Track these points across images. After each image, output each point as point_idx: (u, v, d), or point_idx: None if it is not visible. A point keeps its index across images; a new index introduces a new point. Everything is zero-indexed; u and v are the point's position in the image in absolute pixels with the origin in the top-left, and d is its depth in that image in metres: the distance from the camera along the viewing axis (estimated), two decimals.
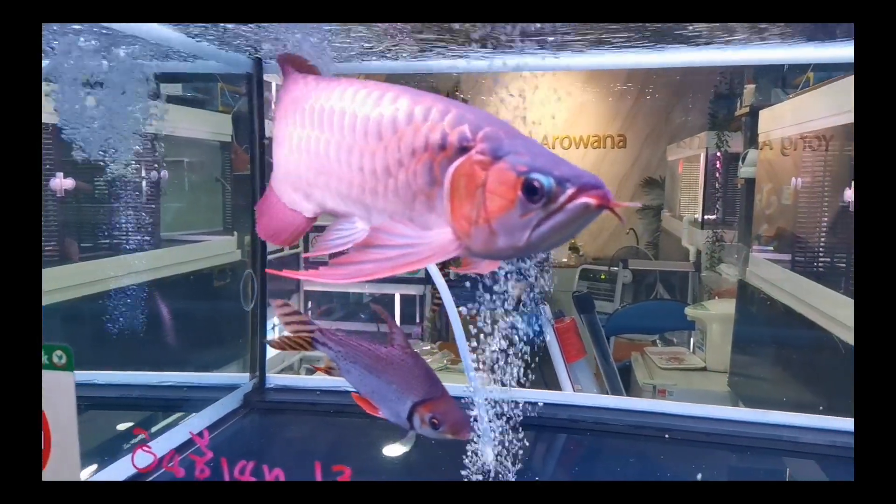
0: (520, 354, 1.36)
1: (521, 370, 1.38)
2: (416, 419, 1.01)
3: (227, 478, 0.87)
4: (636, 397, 3.27)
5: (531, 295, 1.36)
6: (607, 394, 2.86)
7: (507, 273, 1.22)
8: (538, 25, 1.33)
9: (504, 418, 1.37)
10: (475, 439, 1.36)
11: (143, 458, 0.95)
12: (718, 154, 4.31)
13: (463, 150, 0.64)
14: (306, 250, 4.70)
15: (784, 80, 3.42)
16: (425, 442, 1.38)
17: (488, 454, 1.35)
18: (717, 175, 4.35)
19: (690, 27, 1.40)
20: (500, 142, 0.63)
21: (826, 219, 2.50)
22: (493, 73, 1.64)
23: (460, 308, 1.26)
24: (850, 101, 2.26)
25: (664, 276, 5.08)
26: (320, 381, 1.96)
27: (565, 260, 5.78)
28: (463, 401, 1.34)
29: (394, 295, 4.83)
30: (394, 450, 1.59)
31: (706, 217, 4.44)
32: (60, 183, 2.16)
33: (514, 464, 1.36)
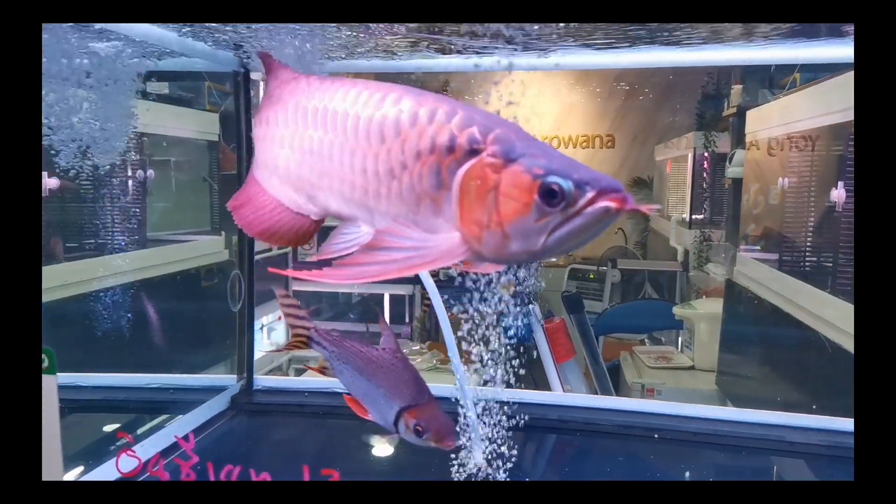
0: (510, 355, 1.36)
1: (511, 370, 1.38)
2: (402, 424, 1.02)
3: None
4: (625, 397, 3.29)
5: (519, 294, 1.36)
6: (597, 394, 2.87)
7: (497, 273, 1.21)
8: (526, 25, 1.33)
9: (494, 419, 1.37)
10: (465, 440, 1.36)
11: (127, 463, 0.93)
12: (706, 154, 4.34)
13: (473, 152, 0.62)
14: (295, 251, 4.69)
15: (771, 80, 3.45)
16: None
17: (477, 455, 1.35)
18: (705, 175, 4.38)
19: (680, 28, 1.41)
20: (513, 144, 0.61)
21: (812, 218, 2.52)
22: (481, 73, 1.64)
23: (452, 310, 1.25)
24: (836, 102, 2.28)
25: (652, 275, 5.10)
26: (308, 382, 1.95)
27: (554, 259, 5.79)
28: (453, 399, 1.34)
29: (383, 295, 4.83)
30: (382, 450, 1.58)
31: (694, 217, 4.47)
32: (45, 182, 2.14)
33: (504, 464, 1.36)
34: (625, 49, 1.60)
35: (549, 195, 0.58)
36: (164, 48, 1.50)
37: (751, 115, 3.26)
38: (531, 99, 1.38)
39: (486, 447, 1.36)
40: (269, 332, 4.56)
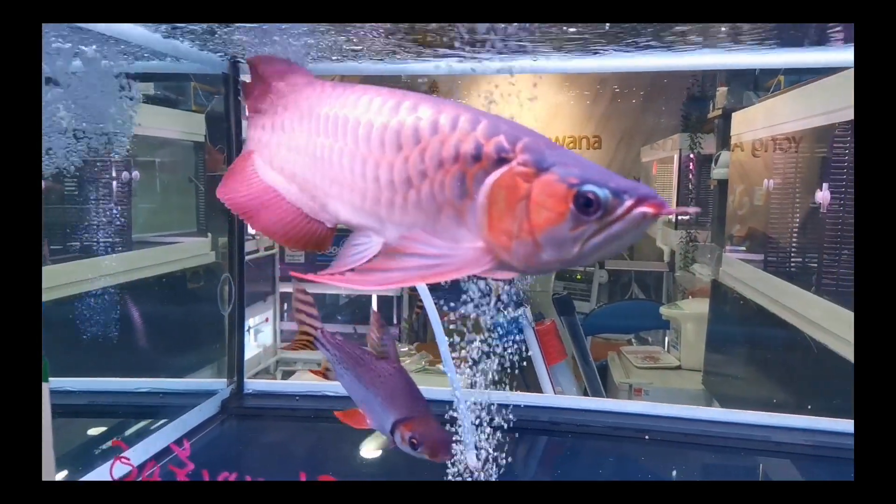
0: (501, 356, 1.37)
1: (503, 372, 1.38)
2: (398, 435, 1.03)
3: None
4: (613, 397, 3.31)
5: (510, 295, 1.36)
6: (587, 395, 2.88)
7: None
8: (515, 28, 1.34)
9: (486, 421, 1.37)
10: (457, 443, 1.36)
11: (121, 470, 0.93)
12: (692, 156, 4.38)
13: (501, 161, 0.61)
14: (282, 252, 4.66)
15: (756, 82, 3.49)
16: None
17: (470, 457, 1.35)
18: (691, 176, 4.41)
19: (669, 32, 1.42)
20: (543, 153, 0.61)
21: (797, 219, 2.55)
22: (470, 75, 1.64)
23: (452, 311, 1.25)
24: (819, 105, 2.32)
25: (639, 275, 5.14)
26: (299, 385, 1.94)
27: None
28: (446, 406, 1.35)
29: (370, 296, 4.81)
30: (373, 452, 1.58)
31: (680, 217, 4.50)
32: None
33: (495, 466, 1.36)
34: (612, 53, 1.61)
35: (585, 204, 0.58)
36: (152, 50, 1.49)
37: (736, 116, 3.30)
38: (519, 99, 1.39)
39: (479, 450, 1.36)
40: (256, 333, 4.53)
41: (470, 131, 0.63)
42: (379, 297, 4.79)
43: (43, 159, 1.46)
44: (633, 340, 4.24)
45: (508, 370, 1.37)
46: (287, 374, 4.34)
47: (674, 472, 1.57)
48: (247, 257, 4.21)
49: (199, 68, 1.71)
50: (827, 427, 1.67)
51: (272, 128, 0.80)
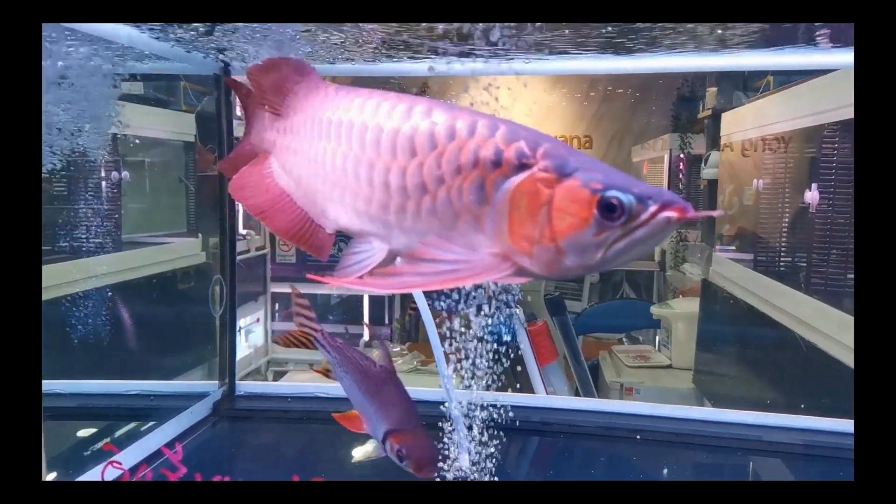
0: (494, 357, 1.37)
1: (495, 373, 1.38)
2: (388, 445, 1.05)
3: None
4: (604, 396, 3.32)
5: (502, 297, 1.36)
6: (579, 395, 2.89)
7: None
8: (506, 29, 1.34)
9: (479, 421, 1.37)
10: (449, 442, 1.36)
11: (112, 474, 0.92)
12: (682, 156, 4.40)
13: (522, 167, 0.61)
14: (273, 253, 4.65)
15: (745, 83, 3.51)
16: None
17: (463, 458, 1.35)
18: (681, 176, 4.44)
19: (658, 34, 1.42)
20: (565, 159, 0.60)
21: (786, 219, 2.57)
22: (462, 77, 1.64)
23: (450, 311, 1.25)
24: (808, 105, 2.33)
25: (630, 275, 5.15)
26: (291, 387, 1.93)
27: None
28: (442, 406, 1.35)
29: (362, 297, 4.81)
30: (365, 453, 1.58)
31: None
32: None
33: (488, 467, 1.36)
34: (602, 55, 1.62)
35: (610, 209, 0.58)
36: (144, 51, 1.49)
37: (725, 117, 3.31)
38: (508, 100, 1.39)
39: (471, 451, 1.36)
40: (247, 334, 4.52)
41: (489, 137, 0.62)
42: (371, 297, 4.78)
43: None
44: (624, 340, 4.25)
45: (501, 370, 1.38)
46: (278, 375, 4.33)
47: (665, 472, 1.58)
48: (238, 257, 4.20)
49: (189, 69, 1.71)
50: (817, 426, 1.69)
51: (284, 131, 0.79)
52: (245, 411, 1.79)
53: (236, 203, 2.01)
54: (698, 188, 4.23)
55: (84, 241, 2.34)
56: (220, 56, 1.64)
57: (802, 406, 2.10)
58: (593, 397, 2.98)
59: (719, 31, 1.39)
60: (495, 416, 1.38)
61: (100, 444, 1.61)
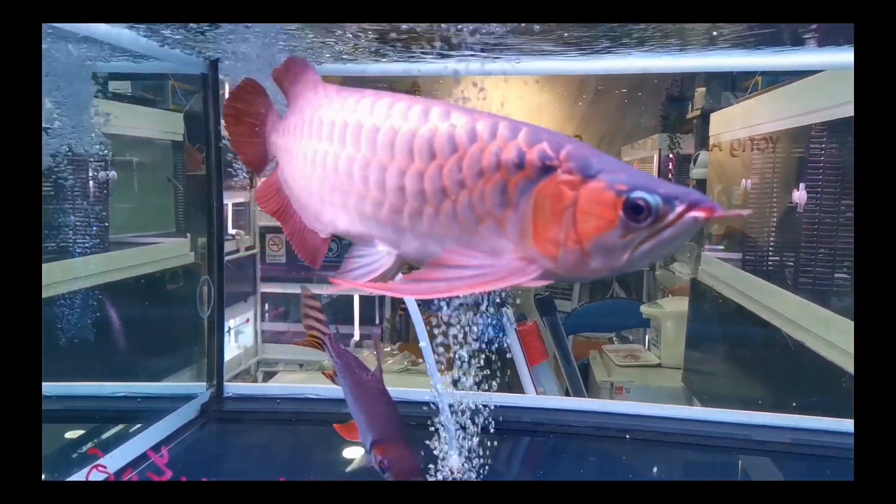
0: (484, 357, 1.37)
1: (485, 373, 1.38)
2: (373, 455, 1.06)
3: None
4: (594, 395, 3.33)
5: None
6: (569, 395, 2.90)
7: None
8: (497, 30, 1.34)
9: (468, 422, 1.37)
10: (440, 443, 1.36)
11: (97, 478, 0.91)
12: (671, 155, 4.42)
13: (545, 169, 0.60)
14: (263, 253, 4.63)
15: (734, 83, 3.53)
16: None
17: (453, 459, 1.35)
18: (670, 176, 4.46)
19: (648, 34, 1.43)
20: (588, 160, 0.60)
21: (774, 218, 2.58)
22: (453, 76, 1.64)
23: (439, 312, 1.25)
24: (796, 105, 2.35)
25: (620, 274, 5.16)
26: (280, 388, 1.92)
27: None
28: (431, 405, 1.35)
29: (353, 296, 4.79)
30: (355, 454, 1.58)
31: None
32: None
33: (479, 467, 1.36)
34: (592, 55, 1.62)
35: (636, 211, 0.57)
36: (132, 51, 1.47)
37: (714, 117, 3.33)
38: (498, 100, 1.39)
39: (462, 452, 1.36)
40: (237, 335, 4.50)
41: (510, 139, 0.61)
42: (361, 298, 4.77)
43: None
44: (614, 339, 4.27)
45: (490, 371, 1.38)
46: (268, 376, 4.31)
47: (654, 471, 1.58)
48: (227, 258, 4.18)
49: (177, 68, 1.69)
50: (805, 425, 1.70)
51: (282, 132, 0.78)
52: (233, 413, 1.78)
53: (224, 202, 2.00)
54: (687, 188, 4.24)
55: (71, 241, 2.32)
56: (208, 55, 1.63)
57: (790, 405, 2.12)
58: (583, 397, 2.98)
59: (713, 32, 1.40)
60: (485, 416, 1.38)
61: (86, 447, 1.59)
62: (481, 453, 1.37)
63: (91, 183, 2.48)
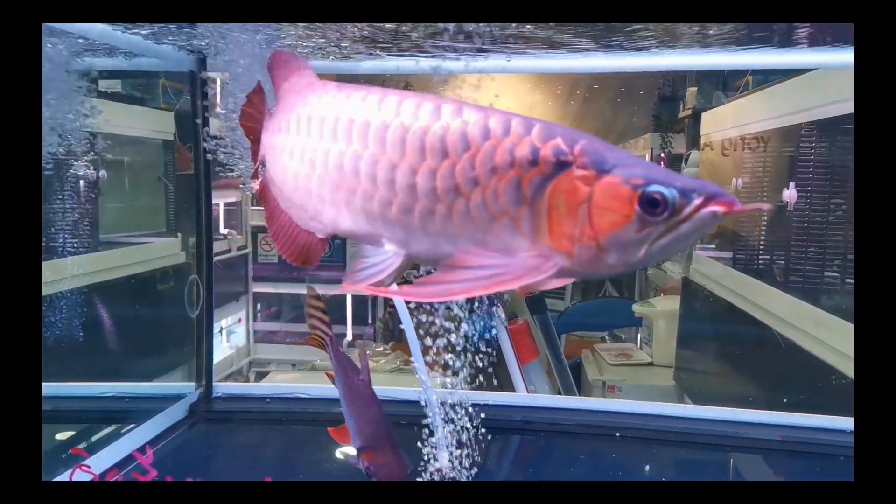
0: (475, 356, 1.37)
1: (476, 372, 1.38)
2: (361, 460, 1.07)
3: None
4: (586, 394, 3.33)
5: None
6: (560, 393, 2.90)
7: None
8: (488, 28, 1.34)
9: (459, 421, 1.37)
10: (429, 442, 1.36)
11: (81, 478, 0.90)
12: (663, 155, 4.43)
13: (560, 164, 0.59)
14: (255, 252, 4.61)
15: (725, 83, 3.54)
16: None
17: (442, 458, 1.35)
18: None
19: (639, 33, 1.43)
20: (603, 155, 0.59)
21: (765, 218, 2.59)
22: (443, 74, 1.63)
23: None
24: (787, 105, 2.36)
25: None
26: (270, 388, 1.92)
27: None
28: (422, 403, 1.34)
29: (345, 296, 4.78)
30: (344, 454, 1.57)
31: None
32: None
33: (470, 466, 1.36)
34: (583, 54, 1.62)
35: (652, 205, 0.56)
36: (120, 48, 1.47)
37: (705, 116, 3.34)
38: (491, 99, 1.38)
39: (451, 449, 1.36)
40: (229, 335, 4.48)
41: (524, 135, 0.60)
42: (354, 297, 4.76)
43: None
44: (606, 338, 4.28)
45: (482, 369, 1.37)
46: (261, 376, 4.30)
47: (647, 469, 1.58)
48: (219, 257, 4.16)
49: (163, 65, 1.68)
50: (796, 422, 1.70)
51: (272, 130, 0.76)
52: (223, 413, 1.77)
53: (215, 202, 1.99)
54: None
55: (59, 240, 2.30)
56: (194, 51, 1.62)
57: (781, 402, 2.12)
58: (574, 395, 2.98)
59: (711, 31, 1.40)
60: (476, 414, 1.38)
61: (71, 448, 1.58)
62: (472, 452, 1.37)
63: (80, 182, 2.46)
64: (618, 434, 1.67)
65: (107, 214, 2.78)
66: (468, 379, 1.41)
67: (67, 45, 1.43)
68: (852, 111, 1.93)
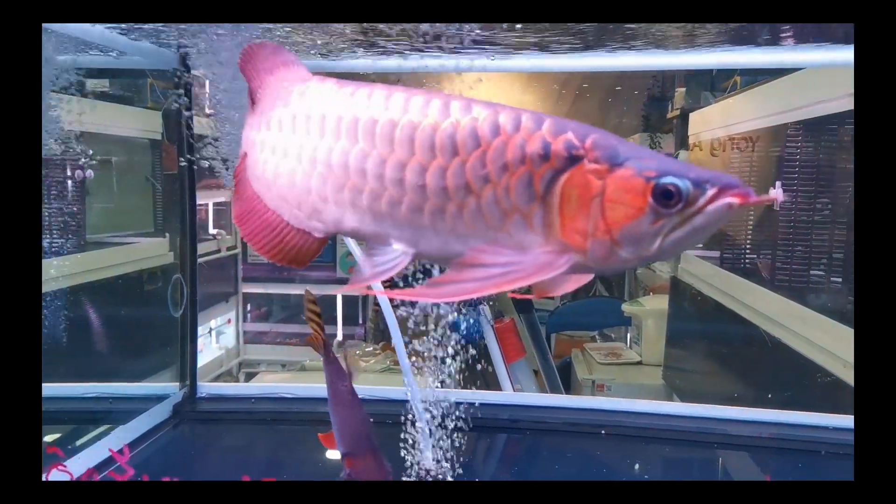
0: (461, 355, 1.36)
1: (462, 371, 1.38)
2: (343, 466, 1.07)
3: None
4: (576, 393, 3.34)
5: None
6: (546, 392, 2.90)
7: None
8: (480, 27, 1.33)
9: (444, 420, 1.36)
10: (415, 442, 1.36)
11: (58, 478, 0.90)
12: None
13: (571, 159, 0.58)
14: (245, 253, 4.59)
15: (713, 83, 3.55)
16: None
17: (427, 457, 1.34)
18: None
19: (629, 33, 1.43)
20: (615, 148, 0.58)
21: (752, 217, 2.60)
22: (436, 73, 1.63)
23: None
24: (774, 104, 2.37)
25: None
26: (254, 388, 1.91)
27: None
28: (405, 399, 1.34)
29: (335, 296, 4.77)
30: (331, 454, 1.56)
31: None
32: None
33: (454, 465, 1.35)
34: (574, 53, 1.62)
35: (666, 197, 0.56)
36: (106, 46, 1.46)
37: (693, 117, 3.35)
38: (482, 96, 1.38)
39: (436, 449, 1.36)
40: (218, 335, 4.46)
41: (534, 130, 0.59)
42: (344, 298, 4.75)
43: None
44: (596, 337, 4.29)
45: (467, 368, 1.37)
46: (251, 377, 4.28)
47: (636, 467, 1.58)
48: (209, 258, 4.15)
49: (147, 63, 1.67)
50: (782, 419, 1.71)
51: (258, 127, 0.74)
52: (207, 413, 1.76)
53: (203, 202, 1.97)
54: None
55: (47, 241, 2.28)
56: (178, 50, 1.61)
57: (767, 400, 2.13)
58: (560, 393, 2.99)
59: (699, 31, 1.40)
60: (461, 413, 1.38)
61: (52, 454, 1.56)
62: (457, 450, 1.36)
63: (67, 182, 2.45)
64: (603, 432, 1.67)
65: (94, 214, 2.76)
66: (456, 378, 1.41)
67: (53, 43, 1.42)
68: (838, 111, 1.95)
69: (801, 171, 2.22)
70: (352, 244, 1.46)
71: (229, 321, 4.60)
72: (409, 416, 1.37)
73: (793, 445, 1.62)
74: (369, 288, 0.67)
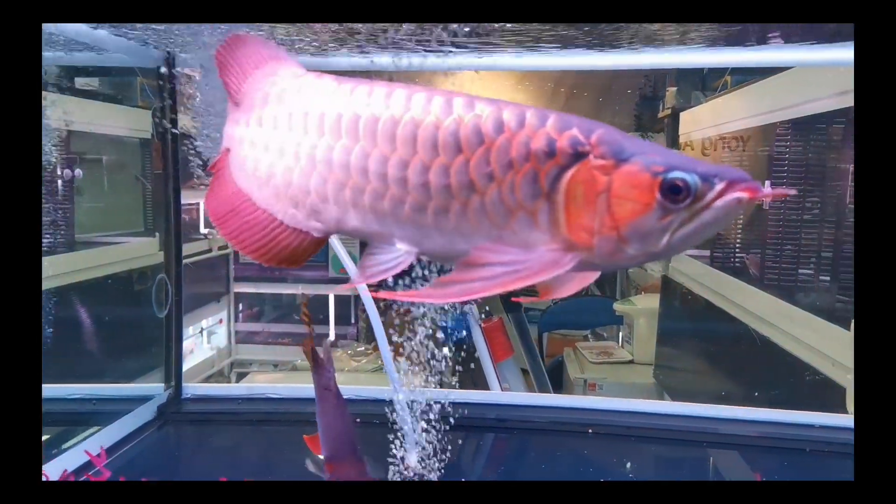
0: (448, 354, 1.36)
1: (449, 370, 1.37)
2: (325, 471, 1.08)
3: None
4: (568, 392, 3.34)
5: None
6: (535, 391, 2.90)
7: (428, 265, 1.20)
8: (470, 26, 1.33)
9: (430, 420, 1.36)
10: (400, 442, 1.35)
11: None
12: None
13: (577, 155, 0.58)
14: (237, 253, 4.57)
15: (703, 82, 3.55)
16: None
17: (412, 457, 1.34)
18: None
19: (621, 31, 1.42)
20: (621, 143, 0.58)
21: (742, 216, 2.61)
22: (429, 72, 1.63)
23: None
24: (764, 104, 2.37)
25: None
26: (241, 389, 1.89)
27: None
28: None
29: (328, 296, 4.76)
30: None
31: None
32: None
33: (441, 465, 1.35)
34: (565, 52, 1.62)
35: (673, 192, 0.55)
36: (90, 43, 1.44)
37: (684, 116, 3.36)
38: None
39: (422, 449, 1.35)
40: (210, 335, 4.44)
41: (539, 127, 0.59)
42: (336, 297, 4.74)
43: None
44: (589, 336, 4.29)
45: (456, 367, 1.37)
46: (242, 377, 4.27)
47: (624, 465, 1.58)
48: (199, 257, 4.13)
49: (131, 61, 1.66)
50: (771, 418, 1.71)
51: (247, 123, 0.72)
52: (192, 414, 1.74)
53: (186, 201, 1.97)
54: None
55: None
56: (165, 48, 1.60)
57: (757, 398, 2.14)
58: (549, 392, 2.99)
59: (705, 31, 1.40)
60: (448, 412, 1.37)
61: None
62: (443, 450, 1.36)
63: (56, 181, 2.43)
64: (590, 430, 1.66)
65: (83, 214, 2.74)
66: (442, 377, 1.40)
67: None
68: (826, 109, 1.95)
69: (791, 169, 2.23)
70: (338, 247, 1.45)
71: (221, 321, 4.58)
72: (394, 416, 1.36)
73: (783, 444, 1.62)
74: (375, 290, 0.66)
